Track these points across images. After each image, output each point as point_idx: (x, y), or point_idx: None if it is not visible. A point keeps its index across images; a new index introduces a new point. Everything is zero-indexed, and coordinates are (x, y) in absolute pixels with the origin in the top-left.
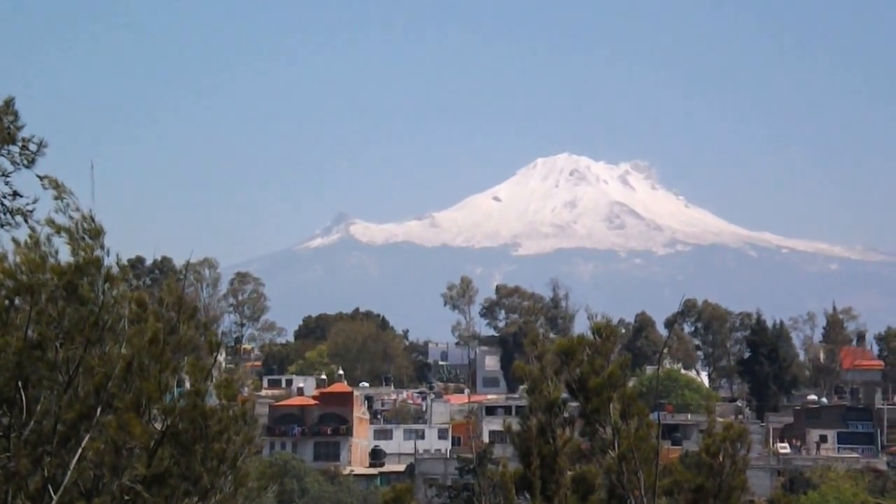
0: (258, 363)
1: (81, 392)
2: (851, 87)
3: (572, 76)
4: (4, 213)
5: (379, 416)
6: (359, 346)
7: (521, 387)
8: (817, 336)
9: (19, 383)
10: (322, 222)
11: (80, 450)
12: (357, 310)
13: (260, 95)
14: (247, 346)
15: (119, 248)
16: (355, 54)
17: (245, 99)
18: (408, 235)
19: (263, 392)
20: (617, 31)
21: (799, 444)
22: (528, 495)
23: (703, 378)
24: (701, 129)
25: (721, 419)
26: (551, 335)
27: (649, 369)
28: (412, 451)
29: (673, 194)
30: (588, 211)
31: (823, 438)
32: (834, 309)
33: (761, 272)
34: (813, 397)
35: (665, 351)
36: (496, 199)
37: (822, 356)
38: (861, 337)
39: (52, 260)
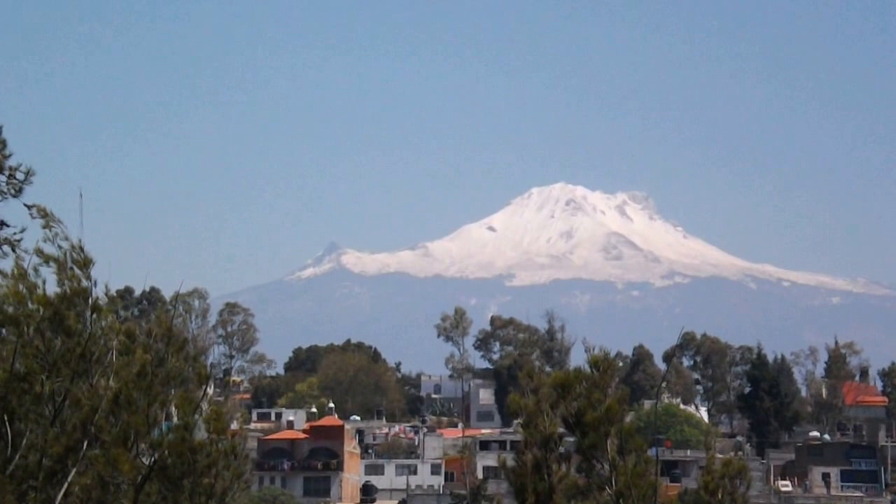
0: (247, 396)
1: (68, 425)
2: (854, 118)
3: (567, 104)
4: None
5: (370, 451)
6: (350, 379)
7: (517, 421)
8: (819, 371)
9: (4, 416)
10: (313, 252)
11: (66, 485)
12: (348, 341)
13: (251, 124)
14: (236, 378)
15: (108, 278)
16: (348, 82)
17: (236, 127)
18: (400, 265)
19: (252, 425)
20: (613, 60)
21: (802, 482)
22: None
23: (703, 413)
24: (700, 158)
25: (721, 455)
26: (547, 368)
27: (647, 404)
28: (404, 487)
29: (671, 225)
30: (584, 241)
31: (826, 476)
32: (836, 343)
33: (762, 305)
34: (815, 434)
35: (663, 385)
36: (490, 228)
37: (824, 392)
38: (864, 372)
39: (39, 290)
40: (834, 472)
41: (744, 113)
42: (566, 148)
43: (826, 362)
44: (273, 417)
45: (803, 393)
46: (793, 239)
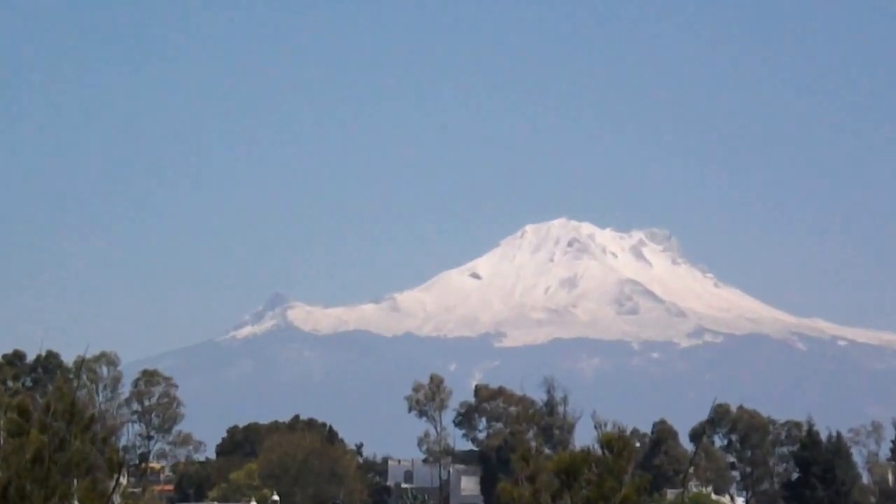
0: (170, 487)
1: None
2: None
3: (568, 123)
4: None
5: None
6: (299, 465)
7: None
8: (884, 452)
9: None
10: (253, 306)
11: None
12: (297, 417)
13: (171, 150)
14: (155, 464)
15: None
16: (297, 101)
17: (152, 153)
18: (362, 322)
19: None
20: (624, 71)
21: None
22: None
23: None
24: (734, 188)
25: None
26: (546, 450)
27: (672, 494)
28: None
29: (699, 271)
30: (592, 291)
31: None
32: None
33: (812, 370)
34: None
35: (691, 470)
36: (475, 276)
37: (891, 477)
38: None
39: None
40: None
41: (786, 133)
42: (568, 176)
43: (893, 441)
44: None
45: (865, 479)
46: (850, 289)
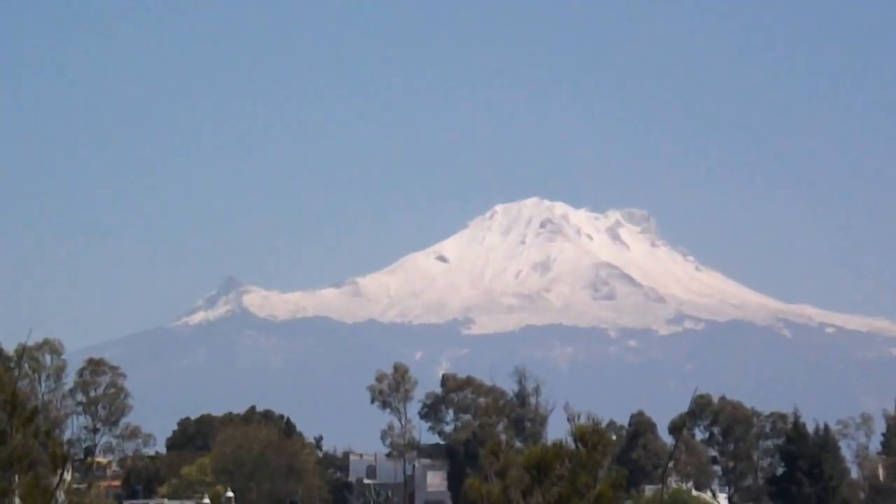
0: (117, 483)
1: None
2: None
3: (540, 100)
4: None
5: None
6: (255, 459)
7: None
8: (875, 445)
9: None
10: (206, 290)
11: None
12: (253, 409)
13: (118, 124)
14: (101, 459)
15: None
16: (253, 83)
17: (102, 139)
18: (322, 308)
19: None
20: (604, 51)
21: None
22: None
23: (722, 502)
24: (716, 166)
25: None
26: (517, 443)
27: (650, 490)
28: None
29: (680, 253)
30: (565, 275)
31: None
32: None
33: (799, 359)
34: None
35: (670, 465)
36: (441, 258)
37: (881, 472)
38: None
39: None
40: None
41: (772, 109)
42: (540, 153)
43: (884, 434)
44: None
45: (854, 474)
46: (838, 273)
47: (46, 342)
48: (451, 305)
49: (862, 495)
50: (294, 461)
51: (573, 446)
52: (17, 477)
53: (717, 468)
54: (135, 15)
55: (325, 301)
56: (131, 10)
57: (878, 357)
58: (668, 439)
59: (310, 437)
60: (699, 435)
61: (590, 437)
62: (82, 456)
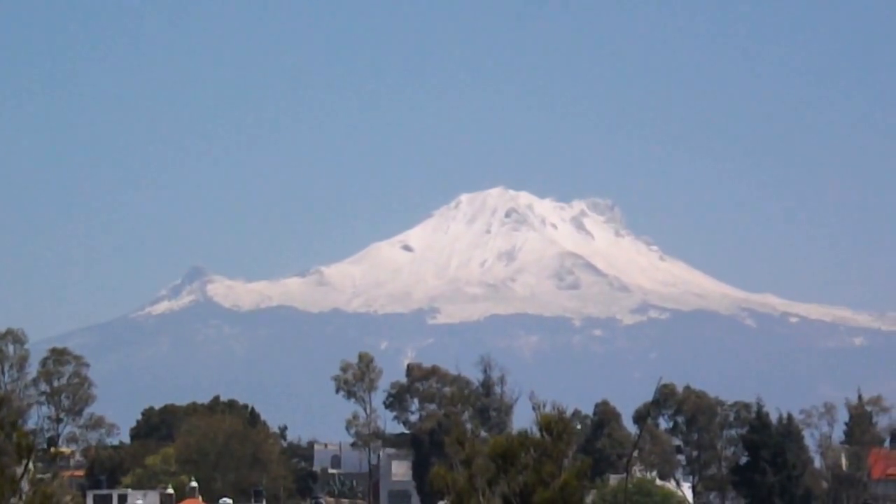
0: (80, 473)
1: None
2: (881, 118)
3: (505, 89)
4: None
5: None
6: (219, 449)
7: (441, 502)
8: (838, 434)
9: None
10: (169, 280)
11: None
12: (217, 398)
13: (86, 121)
14: (65, 448)
15: None
16: (217, 71)
17: (65, 127)
18: (286, 297)
19: None
20: (570, 41)
21: None
22: None
23: (686, 491)
24: (680, 155)
25: None
26: (482, 433)
27: (614, 479)
28: None
29: (644, 243)
30: (530, 265)
31: None
32: (859, 398)
33: (762, 348)
34: None
35: (635, 454)
36: (406, 248)
37: (844, 462)
38: None
39: None
40: None
41: (734, 99)
42: (505, 143)
43: (846, 423)
44: (115, 501)
45: (817, 463)
46: (802, 263)
47: (9, 332)
48: (416, 295)
49: (825, 484)
50: (258, 451)
51: (538, 435)
52: None
53: (682, 457)
54: (108, 11)
55: (290, 290)
56: (91, 7)
57: (841, 347)
58: (632, 428)
59: (274, 427)
60: (663, 424)
61: (555, 426)
62: (45, 446)
